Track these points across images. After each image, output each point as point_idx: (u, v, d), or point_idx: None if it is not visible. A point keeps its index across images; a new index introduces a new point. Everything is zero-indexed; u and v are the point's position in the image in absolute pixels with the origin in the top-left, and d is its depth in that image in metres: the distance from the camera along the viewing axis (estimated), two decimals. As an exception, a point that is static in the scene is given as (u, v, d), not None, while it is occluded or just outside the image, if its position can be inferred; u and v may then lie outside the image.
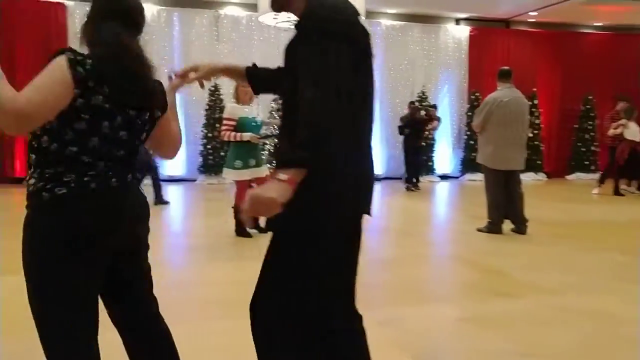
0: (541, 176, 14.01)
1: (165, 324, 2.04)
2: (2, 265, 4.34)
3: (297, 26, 1.77)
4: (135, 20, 1.91)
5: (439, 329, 3.36)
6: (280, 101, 9.32)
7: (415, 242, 6.14)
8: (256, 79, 2.12)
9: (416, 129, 11.22)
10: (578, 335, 3.26)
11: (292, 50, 1.78)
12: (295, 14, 1.85)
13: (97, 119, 1.68)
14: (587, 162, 14.07)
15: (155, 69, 1.92)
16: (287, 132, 1.70)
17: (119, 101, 1.71)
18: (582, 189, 11.09)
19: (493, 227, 6.39)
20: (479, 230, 6.48)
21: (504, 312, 3.63)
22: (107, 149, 1.71)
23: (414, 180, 11.16)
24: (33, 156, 1.70)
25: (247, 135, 5.87)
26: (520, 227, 6.37)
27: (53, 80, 1.58)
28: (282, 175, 1.52)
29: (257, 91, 2.19)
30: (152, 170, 8.62)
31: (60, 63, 1.61)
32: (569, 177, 14.13)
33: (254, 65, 2.15)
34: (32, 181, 1.68)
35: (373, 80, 1.81)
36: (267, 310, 1.88)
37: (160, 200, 8.42)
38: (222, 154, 11.42)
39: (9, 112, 1.48)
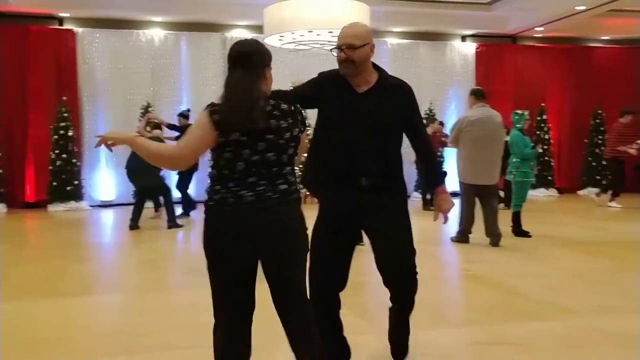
0: (552, 192, 13.84)
1: None
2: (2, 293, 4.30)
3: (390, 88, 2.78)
4: (247, 60, 2.35)
5: (461, 354, 3.26)
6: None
7: (431, 263, 6.03)
8: None
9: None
10: None
11: (387, 104, 2.74)
12: (366, 77, 2.78)
13: (238, 149, 2.21)
14: (598, 177, 13.88)
15: (262, 98, 2.30)
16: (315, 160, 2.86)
17: (247, 132, 2.20)
18: (594, 205, 10.93)
19: (462, 237, 6.88)
20: (452, 239, 6.97)
21: (530, 336, 3.49)
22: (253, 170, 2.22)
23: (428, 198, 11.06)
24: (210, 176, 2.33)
25: None
26: (493, 239, 6.68)
27: (195, 130, 2.23)
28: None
29: None
30: (165, 192, 8.62)
31: (203, 114, 2.24)
32: (580, 192, 13.95)
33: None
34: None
35: None
36: (414, 262, 2.91)
37: (174, 224, 8.39)
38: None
39: (171, 160, 2.28)
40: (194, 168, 9.77)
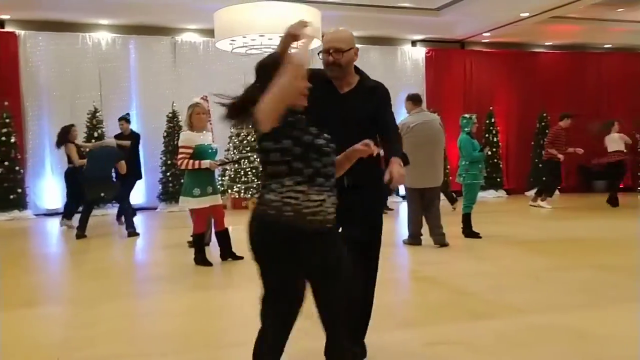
0: (501, 193, 14.19)
1: None
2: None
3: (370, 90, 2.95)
4: (264, 72, 2.30)
5: (411, 355, 3.27)
6: (239, 127, 9.09)
7: (383, 265, 6.04)
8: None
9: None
10: (567, 357, 3.20)
11: (367, 104, 2.90)
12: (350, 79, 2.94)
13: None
14: (544, 178, 14.29)
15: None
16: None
17: None
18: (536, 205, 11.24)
19: (413, 240, 6.95)
20: (404, 242, 7.04)
21: (478, 334, 3.54)
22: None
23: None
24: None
25: (206, 163, 5.76)
26: (437, 238, 6.80)
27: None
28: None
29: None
30: (124, 200, 8.45)
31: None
32: (527, 193, 14.34)
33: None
34: None
35: None
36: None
37: (134, 231, 8.21)
38: (182, 181, 11.22)
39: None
40: (139, 176, 9.58)
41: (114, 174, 8.63)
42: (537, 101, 14.58)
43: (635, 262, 5.94)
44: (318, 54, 2.94)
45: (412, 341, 3.49)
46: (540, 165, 14.28)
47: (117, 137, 9.67)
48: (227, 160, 7.79)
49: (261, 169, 2.32)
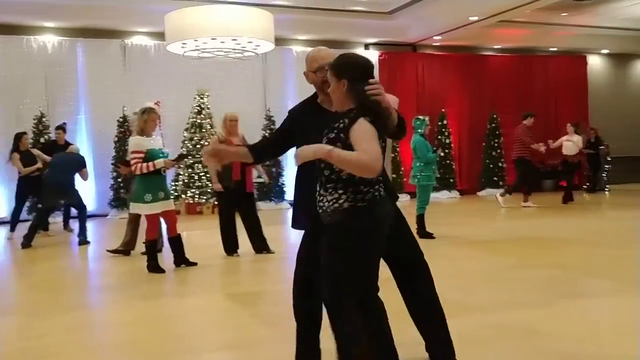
0: (454, 194, 14.44)
1: None
2: None
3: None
4: (368, 72, 2.58)
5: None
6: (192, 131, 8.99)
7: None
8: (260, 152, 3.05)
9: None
10: (517, 354, 3.24)
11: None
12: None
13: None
14: (495, 178, 14.65)
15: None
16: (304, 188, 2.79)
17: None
18: (494, 205, 11.47)
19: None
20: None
21: (411, 335, 3.56)
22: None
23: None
24: (332, 183, 2.49)
25: (160, 162, 5.65)
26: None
27: (372, 136, 2.40)
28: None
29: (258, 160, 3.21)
30: (83, 208, 8.22)
31: (366, 125, 2.41)
32: (480, 193, 14.65)
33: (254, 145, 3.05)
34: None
35: None
36: None
37: (86, 239, 8.00)
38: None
39: (366, 167, 2.35)
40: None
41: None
42: (487, 103, 14.91)
43: (585, 259, 6.12)
44: (315, 72, 2.85)
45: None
46: (491, 166, 14.64)
47: (49, 145, 9.45)
48: (183, 153, 7.63)
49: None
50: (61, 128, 9.57)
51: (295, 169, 2.91)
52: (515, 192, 11.14)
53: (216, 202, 8.09)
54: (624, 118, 15.71)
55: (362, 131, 2.40)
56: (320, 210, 2.57)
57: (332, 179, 2.50)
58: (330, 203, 2.50)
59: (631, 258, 5.97)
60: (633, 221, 8.99)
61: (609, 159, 14.32)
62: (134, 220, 6.80)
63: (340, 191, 2.49)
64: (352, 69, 2.54)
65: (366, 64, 2.60)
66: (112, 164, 11.36)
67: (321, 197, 2.55)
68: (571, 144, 11.65)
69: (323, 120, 2.78)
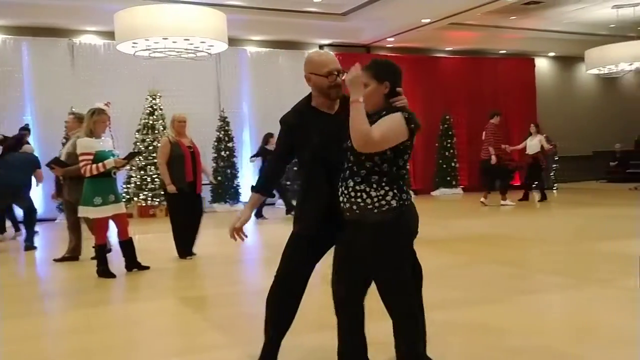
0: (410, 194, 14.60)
1: None
2: None
3: (345, 101, 2.65)
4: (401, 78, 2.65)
5: (322, 356, 3.26)
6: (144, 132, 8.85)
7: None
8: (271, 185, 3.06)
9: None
10: (467, 350, 3.30)
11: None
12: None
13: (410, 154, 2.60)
14: (449, 178, 14.90)
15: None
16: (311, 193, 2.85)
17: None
18: (448, 204, 11.68)
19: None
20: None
21: (386, 333, 3.57)
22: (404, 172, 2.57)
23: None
24: (375, 177, 2.48)
25: (110, 162, 5.51)
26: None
27: (397, 128, 2.48)
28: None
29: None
30: (34, 211, 7.92)
31: (399, 118, 2.50)
32: (433, 193, 14.88)
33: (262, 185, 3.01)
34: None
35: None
36: None
37: (32, 245, 7.73)
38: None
39: (366, 139, 2.38)
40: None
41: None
42: (440, 104, 15.15)
43: (534, 255, 6.29)
44: (326, 76, 2.80)
45: (325, 342, 3.48)
46: (444, 166, 14.88)
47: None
48: (134, 152, 7.41)
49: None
50: (28, 129, 9.20)
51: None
52: (491, 189, 11.37)
53: (166, 204, 7.91)
54: (570, 118, 16.23)
55: (390, 119, 2.46)
56: (354, 207, 2.50)
57: (376, 171, 2.47)
58: (376, 200, 2.46)
59: (578, 254, 6.18)
60: (579, 218, 9.30)
61: (557, 158, 14.76)
62: (75, 223, 6.59)
63: (387, 187, 2.47)
64: (394, 74, 2.61)
65: (401, 72, 2.66)
66: (47, 164, 11.07)
67: (358, 193, 2.48)
68: (535, 143, 11.94)
69: (322, 120, 2.82)
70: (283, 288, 2.95)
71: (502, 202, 11.23)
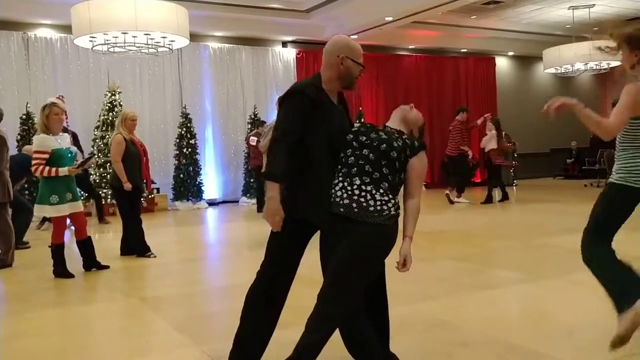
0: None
1: None
2: None
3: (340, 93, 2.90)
4: None
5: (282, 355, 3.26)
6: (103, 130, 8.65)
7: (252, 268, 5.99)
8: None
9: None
10: (423, 345, 3.34)
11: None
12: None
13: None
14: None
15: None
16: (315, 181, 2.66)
17: None
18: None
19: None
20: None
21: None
22: None
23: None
24: (385, 184, 2.53)
25: (64, 170, 5.35)
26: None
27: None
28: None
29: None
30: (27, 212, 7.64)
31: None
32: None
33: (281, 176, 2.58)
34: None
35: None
36: None
37: (22, 244, 7.43)
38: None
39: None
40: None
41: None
42: (402, 101, 15.18)
43: (488, 251, 6.42)
44: (360, 63, 2.90)
45: (286, 340, 3.48)
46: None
47: None
48: (89, 157, 7.21)
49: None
50: None
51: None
52: (462, 188, 11.48)
53: (115, 202, 7.72)
54: (529, 116, 16.57)
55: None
56: (353, 204, 2.49)
57: (388, 179, 2.53)
58: (379, 203, 2.50)
59: (531, 249, 6.35)
60: (535, 214, 9.53)
61: (516, 155, 15.08)
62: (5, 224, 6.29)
63: (391, 196, 2.54)
64: None
65: None
66: None
67: (363, 193, 2.50)
68: (488, 139, 12.12)
69: (333, 107, 2.75)
70: (269, 284, 2.95)
71: (457, 200, 11.37)
